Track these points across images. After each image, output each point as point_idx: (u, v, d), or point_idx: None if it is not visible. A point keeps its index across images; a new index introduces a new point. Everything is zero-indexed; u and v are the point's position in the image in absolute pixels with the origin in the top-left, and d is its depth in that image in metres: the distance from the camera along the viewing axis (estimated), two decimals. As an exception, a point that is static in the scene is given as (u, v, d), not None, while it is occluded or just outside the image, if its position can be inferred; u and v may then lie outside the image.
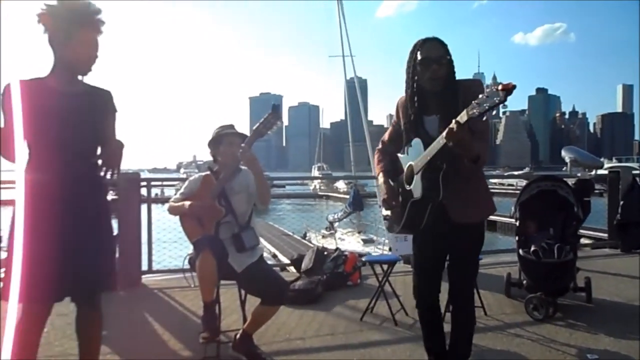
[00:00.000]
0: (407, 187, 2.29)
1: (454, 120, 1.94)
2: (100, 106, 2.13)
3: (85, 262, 2.02)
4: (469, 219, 2.28)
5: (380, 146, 2.59)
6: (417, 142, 2.24)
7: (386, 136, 2.58)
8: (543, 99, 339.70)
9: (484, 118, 1.94)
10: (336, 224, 16.52)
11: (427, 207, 2.22)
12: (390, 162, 2.46)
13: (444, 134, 1.99)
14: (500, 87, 1.77)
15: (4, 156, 1.98)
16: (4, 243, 2.09)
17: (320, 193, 41.65)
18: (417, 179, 2.22)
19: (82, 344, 2.20)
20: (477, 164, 2.11)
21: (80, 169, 2.08)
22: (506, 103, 1.83)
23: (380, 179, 2.46)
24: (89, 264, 2.04)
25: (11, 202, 1.94)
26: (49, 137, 1.98)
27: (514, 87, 1.76)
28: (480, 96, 1.83)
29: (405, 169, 2.32)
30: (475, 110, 1.84)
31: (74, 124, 2.03)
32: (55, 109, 1.98)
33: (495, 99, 1.78)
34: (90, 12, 2.03)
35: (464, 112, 1.89)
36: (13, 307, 1.63)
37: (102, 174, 2.09)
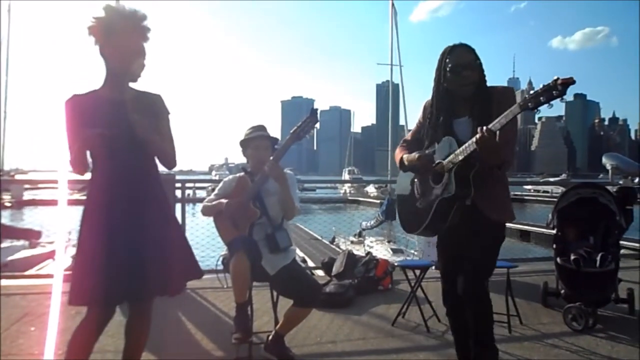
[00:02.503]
0: (434, 186, 2.27)
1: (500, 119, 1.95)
2: (152, 110, 2.16)
3: (152, 267, 2.03)
4: (500, 218, 2.28)
5: (403, 144, 2.59)
6: (448, 139, 2.21)
7: (409, 136, 2.59)
8: (581, 105, 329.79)
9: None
10: (366, 232, 16.48)
11: (454, 206, 2.21)
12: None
13: (476, 137, 2.01)
14: (560, 81, 1.75)
15: (75, 170, 2.06)
16: (73, 241, 2.18)
17: (350, 198, 41.48)
18: (448, 176, 2.19)
19: (128, 346, 2.22)
20: (502, 169, 2.15)
21: (136, 172, 2.12)
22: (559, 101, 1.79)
23: (405, 156, 2.42)
24: (155, 268, 2.05)
25: (81, 203, 2.04)
26: (107, 144, 2.01)
27: (574, 82, 1.74)
28: (531, 91, 1.81)
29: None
30: (530, 104, 1.82)
31: (127, 130, 2.05)
32: (108, 117, 2.02)
33: (553, 92, 1.76)
34: (137, 19, 2.07)
35: (516, 105, 1.88)
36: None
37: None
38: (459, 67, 2.20)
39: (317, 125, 2.82)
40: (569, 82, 1.73)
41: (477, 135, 2.01)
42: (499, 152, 2.05)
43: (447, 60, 2.24)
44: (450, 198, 2.19)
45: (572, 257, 3.74)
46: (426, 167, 2.31)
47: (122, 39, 2.02)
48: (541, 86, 1.80)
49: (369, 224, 16.47)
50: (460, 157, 2.12)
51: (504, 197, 2.34)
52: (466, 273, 2.28)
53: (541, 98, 1.78)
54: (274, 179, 2.80)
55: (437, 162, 2.26)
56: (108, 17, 2.02)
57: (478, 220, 2.23)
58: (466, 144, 2.09)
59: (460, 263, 2.33)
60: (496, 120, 1.98)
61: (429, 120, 2.36)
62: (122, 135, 2.02)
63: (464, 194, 2.16)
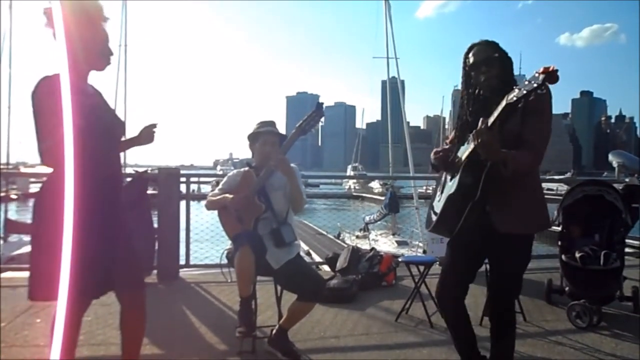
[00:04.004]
0: (449, 183, 2.23)
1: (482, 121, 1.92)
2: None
3: (127, 260, 2.05)
4: (514, 229, 2.13)
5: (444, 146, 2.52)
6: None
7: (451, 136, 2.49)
8: (588, 102, 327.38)
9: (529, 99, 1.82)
10: (370, 226, 16.48)
11: (466, 207, 2.12)
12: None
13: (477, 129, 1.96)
14: (540, 70, 1.72)
15: (52, 162, 1.88)
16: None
17: (354, 193, 41.47)
18: (457, 174, 2.15)
19: (125, 340, 2.20)
20: (508, 170, 1.98)
21: (115, 164, 2.13)
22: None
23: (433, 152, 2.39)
24: (130, 261, 2.07)
25: (32, 195, 1.98)
26: (87, 133, 1.98)
27: (555, 70, 1.71)
28: (524, 81, 1.79)
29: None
30: (513, 95, 1.80)
31: (106, 120, 2.06)
32: (89, 106, 1.96)
33: (533, 83, 1.73)
34: (94, 10, 2.03)
35: (503, 100, 1.87)
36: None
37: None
38: (477, 63, 2.20)
39: (323, 119, 2.81)
40: (548, 71, 1.70)
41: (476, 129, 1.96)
42: (497, 150, 1.94)
43: (469, 58, 2.24)
44: (455, 197, 2.12)
45: (578, 255, 3.73)
46: (443, 161, 2.28)
47: (85, 27, 1.96)
48: (525, 82, 1.77)
49: (372, 218, 16.49)
50: (466, 154, 2.07)
51: (529, 204, 2.18)
52: (491, 292, 2.34)
53: (524, 90, 1.77)
54: (282, 173, 2.80)
55: (456, 159, 2.21)
56: (65, 4, 1.99)
57: (496, 230, 2.13)
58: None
59: (469, 267, 2.32)
60: (493, 115, 1.93)
61: (458, 118, 2.32)
62: (107, 126, 2.02)
63: (467, 193, 2.09)
